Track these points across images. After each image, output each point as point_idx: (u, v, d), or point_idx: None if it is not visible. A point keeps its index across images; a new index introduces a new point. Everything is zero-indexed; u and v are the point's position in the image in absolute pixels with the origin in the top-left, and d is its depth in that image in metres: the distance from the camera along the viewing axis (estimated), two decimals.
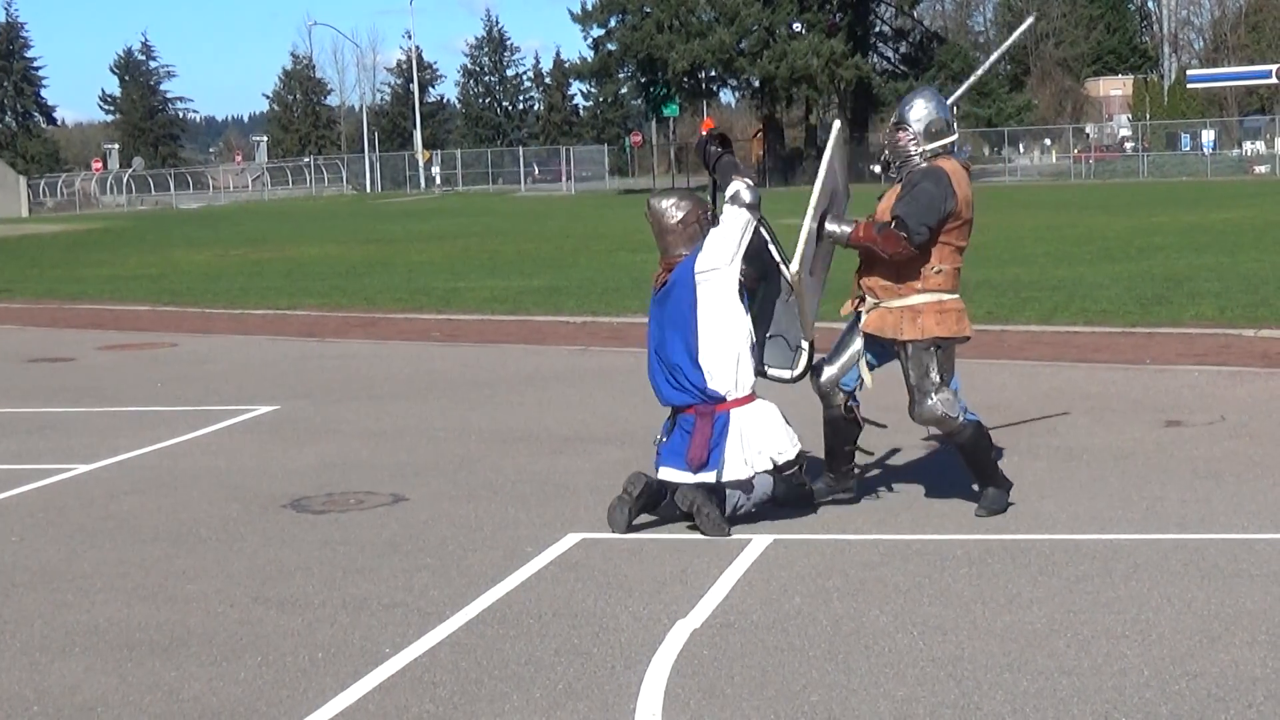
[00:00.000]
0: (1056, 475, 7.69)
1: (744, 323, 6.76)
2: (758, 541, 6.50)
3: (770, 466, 6.71)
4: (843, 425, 7.10)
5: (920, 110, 6.91)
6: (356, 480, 8.17)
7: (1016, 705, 4.57)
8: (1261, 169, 62.17)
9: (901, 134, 6.91)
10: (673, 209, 6.92)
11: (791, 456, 6.74)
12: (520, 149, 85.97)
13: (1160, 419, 9.10)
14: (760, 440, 6.68)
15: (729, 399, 6.69)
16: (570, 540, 6.67)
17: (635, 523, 6.73)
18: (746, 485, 6.70)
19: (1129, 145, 72.80)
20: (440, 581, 6.12)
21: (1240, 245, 22.10)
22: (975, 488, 7.05)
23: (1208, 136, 68.31)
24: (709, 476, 6.63)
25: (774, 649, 5.15)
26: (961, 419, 6.87)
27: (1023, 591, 5.71)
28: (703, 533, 6.61)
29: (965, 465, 7.05)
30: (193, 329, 16.42)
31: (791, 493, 6.85)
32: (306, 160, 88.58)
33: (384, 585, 6.10)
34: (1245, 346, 12.00)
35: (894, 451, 8.31)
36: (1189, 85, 75.87)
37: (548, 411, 10.07)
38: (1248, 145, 69.57)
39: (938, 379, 6.85)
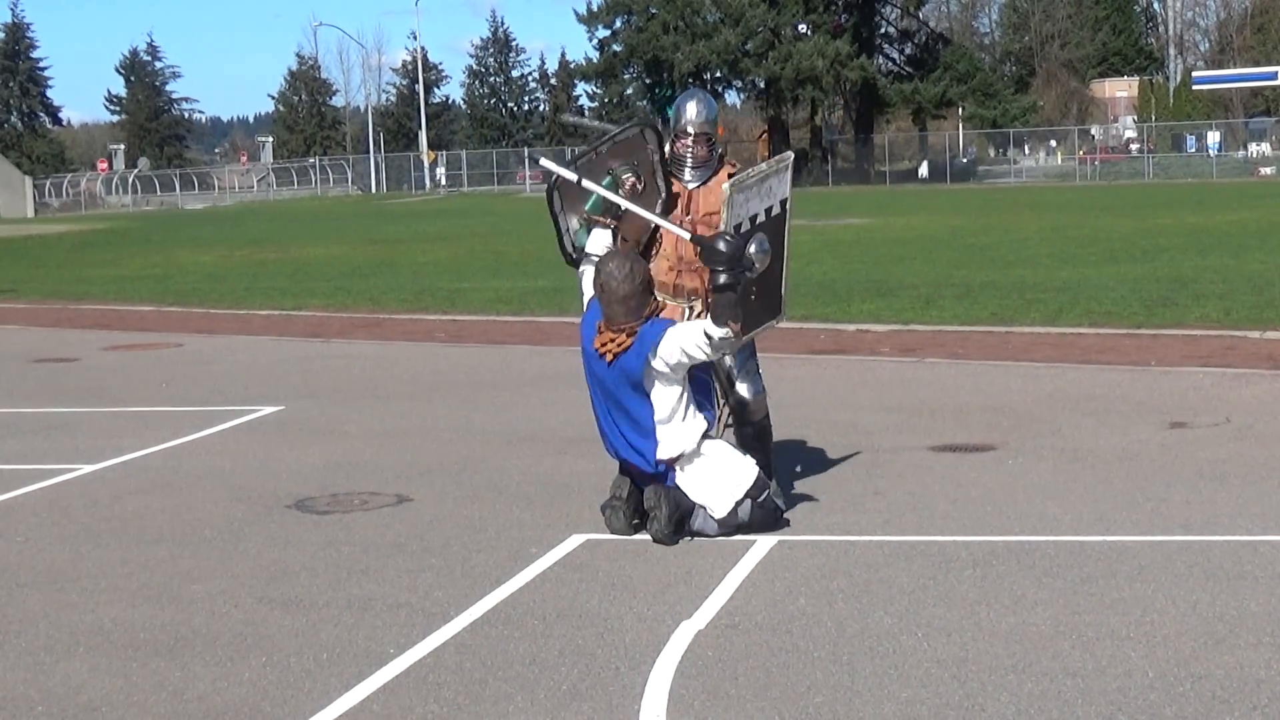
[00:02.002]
0: (1061, 477, 7.69)
1: (687, 388, 6.69)
2: (762, 543, 6.50)
3: (731, 506, 6.60)
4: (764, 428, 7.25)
5: (708, 114, 7.10)
6: (361, 481, 8.17)
7: (1021, 707, 4.57)
8: (1267, 171, 62.15)
9: (698, 141, 7.07)
10: (625, 280, 6.49)
11: (740, 495, 6.59)
12: (525, 150, 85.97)
13: (1165, 421, 9.09)
14: (707, 487, 6.61)
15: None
16: (574, 541, 6.67)
17: (637, 523, 6.72)
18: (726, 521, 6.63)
19: (1134, 147, 72.79)
20: (445, 582, 6.12)
21: (1245, 247, 22.11)
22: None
23: (1213, 138, 68.35)
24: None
25: (778, 650, 5.15)
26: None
27: (1027, 593, 5.70)
28: (649, 534, 6.59)
29: (762, 448, 7.11)
30: (197, 329, 16.43)
31: (768, 518, 6.68)
32: (311, 161, 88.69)
33: (388, 586, 6.10)
34: (1250, 348, 11.99)
35: (897, 453, 8.31)
36: (1194, 87, 75.90)
37: (552, 412, 10.07)
38: (1253, 147, 69.55)
39: None
